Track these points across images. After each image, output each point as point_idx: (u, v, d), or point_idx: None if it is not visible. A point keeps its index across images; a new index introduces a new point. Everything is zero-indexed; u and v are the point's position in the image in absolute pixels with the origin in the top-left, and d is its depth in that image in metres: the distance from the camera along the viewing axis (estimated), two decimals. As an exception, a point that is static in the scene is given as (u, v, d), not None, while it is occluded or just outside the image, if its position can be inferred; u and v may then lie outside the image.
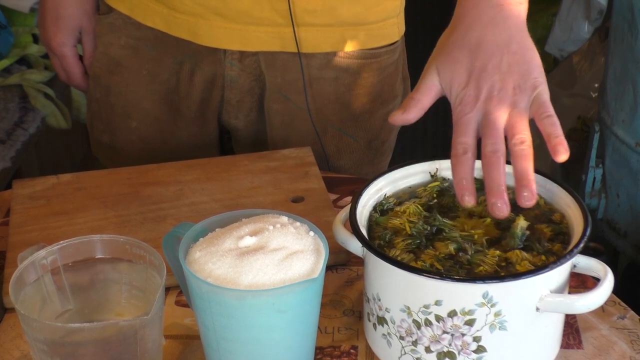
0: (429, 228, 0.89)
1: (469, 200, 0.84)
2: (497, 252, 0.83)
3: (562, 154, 0.84)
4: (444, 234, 0.88)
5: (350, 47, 1.38)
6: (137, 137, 1.44)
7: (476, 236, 0.86)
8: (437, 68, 0.93)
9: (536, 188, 0.82)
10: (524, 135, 0.86)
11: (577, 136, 2.43)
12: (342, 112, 1.41)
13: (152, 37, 1.39)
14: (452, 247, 0.84)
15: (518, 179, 0.82)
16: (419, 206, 0.92)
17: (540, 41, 2.50)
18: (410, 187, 0.97)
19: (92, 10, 1.44)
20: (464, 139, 0.87)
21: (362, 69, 1.40)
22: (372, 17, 1.38)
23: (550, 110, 0.88)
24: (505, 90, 0.89)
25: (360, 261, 0.89)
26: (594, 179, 2.11)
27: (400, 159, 1.03)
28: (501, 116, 0.88)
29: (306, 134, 1.39)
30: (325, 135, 1.40)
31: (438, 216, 0.90)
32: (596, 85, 2.37)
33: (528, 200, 0.81)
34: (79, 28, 1.43)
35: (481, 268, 0.81)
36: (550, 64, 2.64)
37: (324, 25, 1.35)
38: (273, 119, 1.41)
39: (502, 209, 0.82)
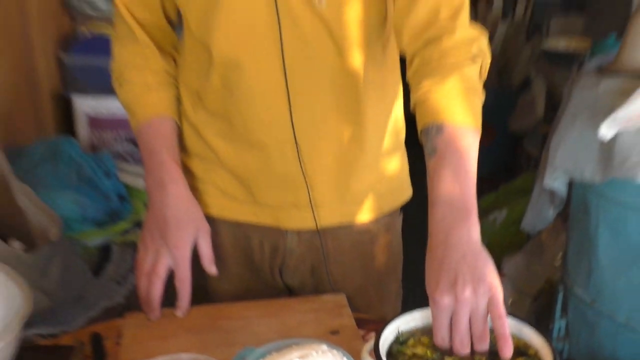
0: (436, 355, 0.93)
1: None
2: None
3: (507, 353, 0.89)
4: None
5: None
6: (223, 288, 1.36)
7: None
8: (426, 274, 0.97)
9: (517, 330, 0.88)
10: (482, 335, 0.91)
11: (545, 295, 2.43)
12: (362, 277, 1.36)
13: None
14: None
15: None
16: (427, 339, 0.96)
17: (517, 222, 2.53)
18: (418, 326, 0.99)
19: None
20: (441, 333, 0.92)
21: (379, 232, 1.35)
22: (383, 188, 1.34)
23: (501, 310, 0.90)
24: (467, 295, 0.90)
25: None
26: (559, 328, 2.12)
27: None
28: (465, 316, 0.90)
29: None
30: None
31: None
32: (559, 255, 2.38)
33: None
34: (197, 229, 1.23)
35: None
36: (524, 238, 2.66)
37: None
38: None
39: None
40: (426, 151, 1.06)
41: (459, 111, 1.05)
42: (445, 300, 0.92)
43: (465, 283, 0.91)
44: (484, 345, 0.92)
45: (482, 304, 0.91)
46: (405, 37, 1.13)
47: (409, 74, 1.14)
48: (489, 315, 0.92)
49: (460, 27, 1.10)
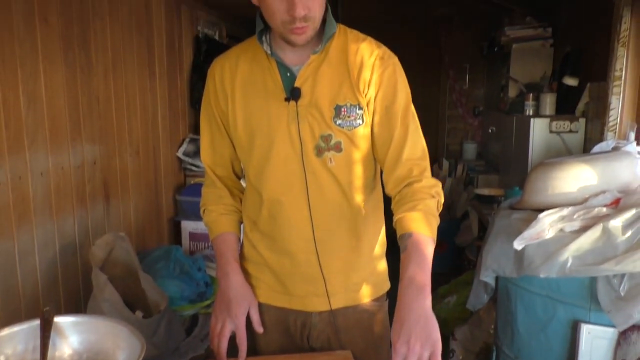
0: None
1: None
2: None
3: None
4: None
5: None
6: (268, 348, 1.28)
7: None
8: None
9: None
10: None
11: (484, 353, 2.34)
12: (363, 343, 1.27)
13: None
14: None
15: None
16: None
17: (463, 303, 2.48)
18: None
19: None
20: None
21: (375, 311, 1.27)
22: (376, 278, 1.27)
23: (439, 359, 0.90)
24: (417, 348, 0.90)
25: None
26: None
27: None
28: None
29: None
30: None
31: None
32: (492, 325, 2.30)
33: None
34: (249, 304, 1.20)
35: None
36: (469, 314, 2.59)
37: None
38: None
39: None
40: (401, 249, 1.05)
41: (422, 226, 1.05)
42: (402, 350, 0.91)
43: (416, 339, 0.91)
44: None
45: (426, 354, 0.90)
46: (390, 185, 1.14)
47: (392, 206, 1.13)
48: None
49: (426, 178, 1.11)
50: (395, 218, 1.10)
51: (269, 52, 1.11)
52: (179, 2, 2.71)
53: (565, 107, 2.84)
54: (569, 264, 1.57)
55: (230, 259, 1.20)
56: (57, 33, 1.73)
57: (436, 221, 1.09)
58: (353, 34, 1.15)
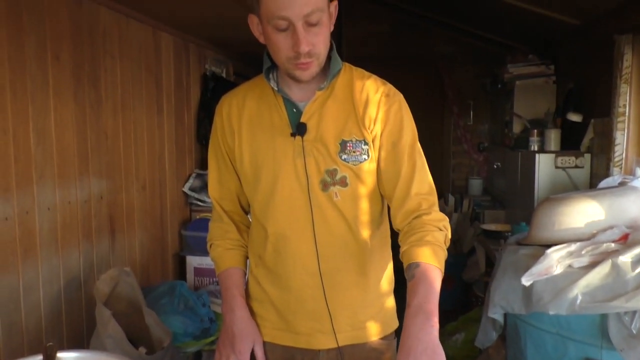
0: None
1: None
2: None
3: None
4: None
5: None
6: None
7: None
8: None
9: None
10: None
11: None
12: None
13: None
14: None
15: None
16: None
17: (472, 340, 2.43)
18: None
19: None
20: None
21: (383, 350, 1.24)
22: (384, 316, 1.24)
23: None
24: None
25: None
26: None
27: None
28: None
29: None
30: None
31: None
32: (502, 364, 2.26)
33: None
34: (254, 341, 1.19)
35: None
36: (477, 352, 2.53)
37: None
38: None
39: None
40: (407, 278, 1.03)
41: (430, 256, 1.04)
42: None
43: None
44: None
45: None
46: (398, 219, 1.13)
47: (399, 238, 1.11)
48: None
49: (434, 212, 1.11)
50: (402, 249, 1.09)
51: (275, 88, 1.14)
52: (187, 41, 2.78)
53: (570, 143, 2.86)
54: (578, 301, 1.54)
55: (236, 294, 1.20)
56: (68, 70, 1.77)
57: (444, 254, 1.08)
58: (358, 71, 1.17)
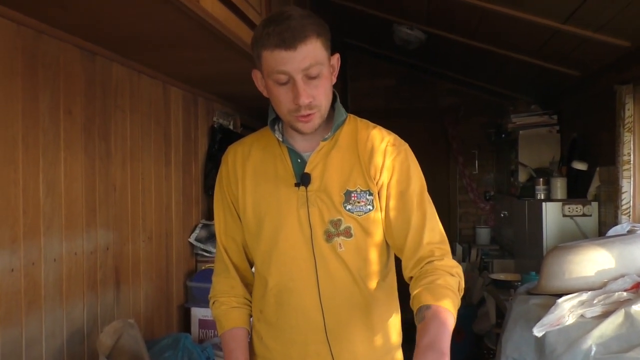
0: None
1: None
2: None
3: None
4: None
5: None
6: None
7: None
8: None
9: None
10: None
11: None
12: None
13: None
14: None
15: None
16: None
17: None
18: None
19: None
20: None
21: None
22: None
23: None
24: None
25: None
26: None
27: None
28: None
29: None
30: None
31: None
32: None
33: None
34: None
35: None
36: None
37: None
38: None
39: None
40: (417, 321, 1.00)
41: (442, 299, 1.00)
42: None
43: None
44: None
45: None
46: (409, 269, 1.10)
47: (410, 285, 1.08)
48: None
49: (446, 259, 1.08)
50: (413, 293, 1.05)
51: (280, 139, 1.15)
52: (196, 95, 2.85)
53: (576, 191, 2.86)
54: (593, 352, 1.51)
55: (240, 356, 1.17)
56: (80, 124, 1.81)
57: (457, 300, 1.04)
58: (363, 122, 1.18)
